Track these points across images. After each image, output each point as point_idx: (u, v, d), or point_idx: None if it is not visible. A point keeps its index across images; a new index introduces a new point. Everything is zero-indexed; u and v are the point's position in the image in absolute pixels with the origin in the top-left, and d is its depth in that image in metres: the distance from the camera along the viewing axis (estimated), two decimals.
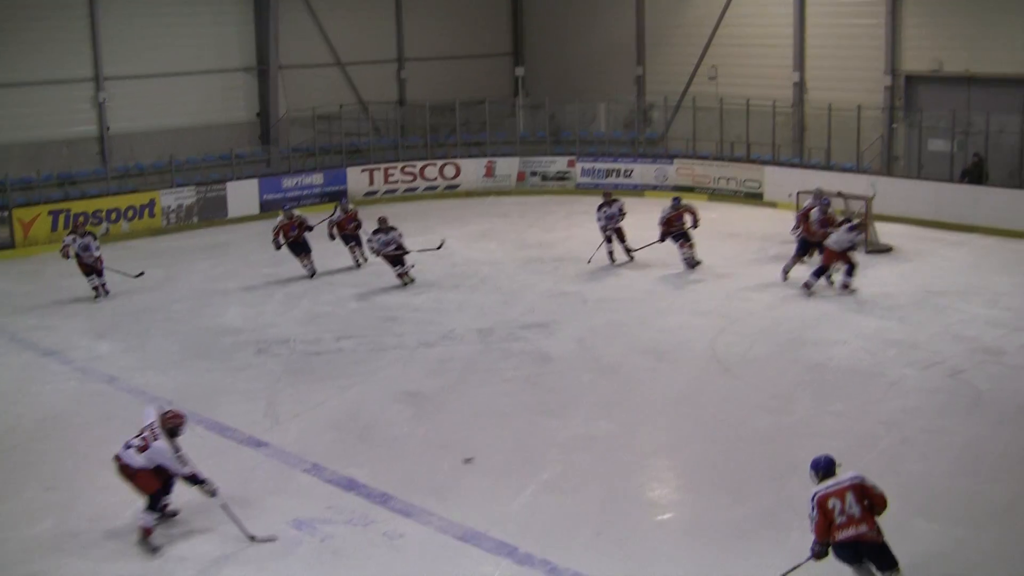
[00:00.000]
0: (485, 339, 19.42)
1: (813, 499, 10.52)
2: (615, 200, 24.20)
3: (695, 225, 23.26)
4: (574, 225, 28.46)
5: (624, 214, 24.05)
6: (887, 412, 15.38)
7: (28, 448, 15.58)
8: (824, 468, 10.71)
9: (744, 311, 20.41)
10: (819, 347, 18.17)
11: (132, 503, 13.51)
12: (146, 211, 30.92)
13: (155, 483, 12.45)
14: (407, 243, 23.49)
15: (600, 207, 24.09)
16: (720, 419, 15.16)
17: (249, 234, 25.14)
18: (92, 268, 23.56)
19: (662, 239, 23.38)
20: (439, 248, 24.13)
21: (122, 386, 17.98)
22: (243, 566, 11.78)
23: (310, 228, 24.61)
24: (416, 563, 11.70)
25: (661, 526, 12.34)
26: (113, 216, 30.37)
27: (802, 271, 21.82)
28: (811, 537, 10.48)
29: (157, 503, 12.53)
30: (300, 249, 24.59)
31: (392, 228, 23.27)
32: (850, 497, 10.42)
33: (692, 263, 23.28)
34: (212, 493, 12.40)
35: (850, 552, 10.40)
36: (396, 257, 23.28)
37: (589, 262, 23.91)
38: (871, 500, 10.50)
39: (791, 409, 15.59)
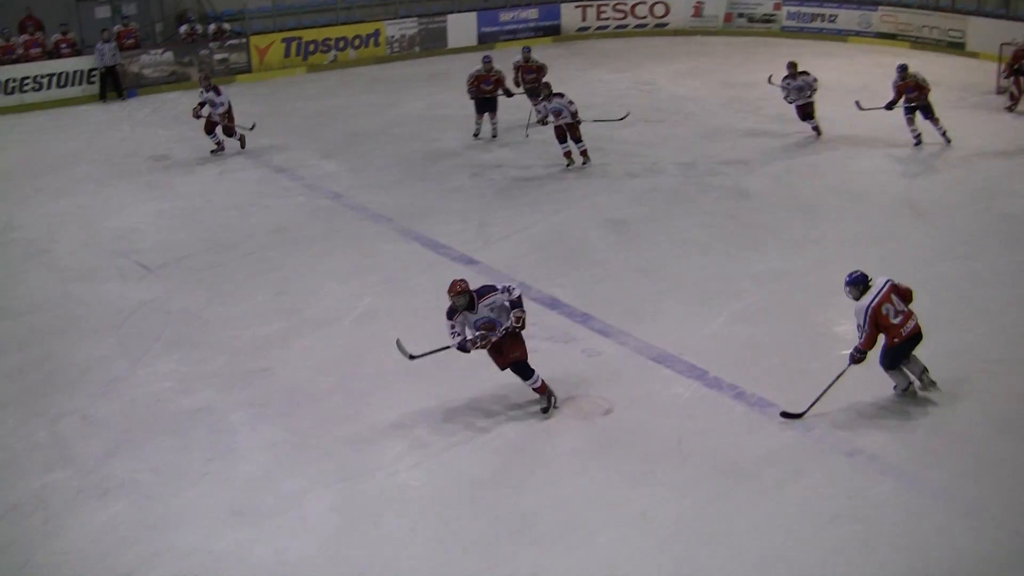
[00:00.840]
0: (686, 172, 19.26)
1: (866, 311, 10.63)
2: (804, 72, 20.98)
3: (923, 97, 19.90)
4: (778, 67, 27.75)
5: (815, 89, 20.86)
6: None
7: (261, 256, 16.13)
8: (863, 281, 10.81)
9: (940, 158, 19.72)
10: (1012, 198, 17.45)
11: (352, 311, 13.98)
12: (371, 40, 31.21)
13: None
14: (583, 112, 20.04)
15: (784, 78, 21.13)
16: (909, 261, 14.77)
17: (467, 64, 25.05)
18: (215, 125, 21.58)
19: (890, 106, 20.15)
20: (622, 120, 21.28)
21: (346, 203, 18.42)
22: (448, 371, 12.09)
23: (508, 92, 22.02)
24: (612, 380, 11.81)
25: (844, 360, 12.22)
26: (341, 44, 30.77)
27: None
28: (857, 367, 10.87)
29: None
30: (486, 107, 21.95)
31: (560, 95, 19.56)
32: (894, 298, 10.72)
33: (945, 138, 20.12)
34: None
35: (910, 346, 10.84)
36: (570, 128, 19.57)
37: (769, 79, 22.01)
38: (906, 295, 10.90)
39: (979, 256, 15.09)
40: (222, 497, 10.00)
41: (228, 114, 21.55)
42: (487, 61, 22.00)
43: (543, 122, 19.76)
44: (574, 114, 19.50)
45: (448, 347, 11.20)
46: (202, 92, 21.38)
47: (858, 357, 10.84)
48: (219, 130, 21.65)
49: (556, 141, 19.79)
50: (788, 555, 8.87)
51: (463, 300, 10.86)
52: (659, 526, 9.34)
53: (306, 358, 12.73)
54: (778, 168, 19.35)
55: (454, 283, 10.93)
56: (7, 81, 27.13)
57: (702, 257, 15.26)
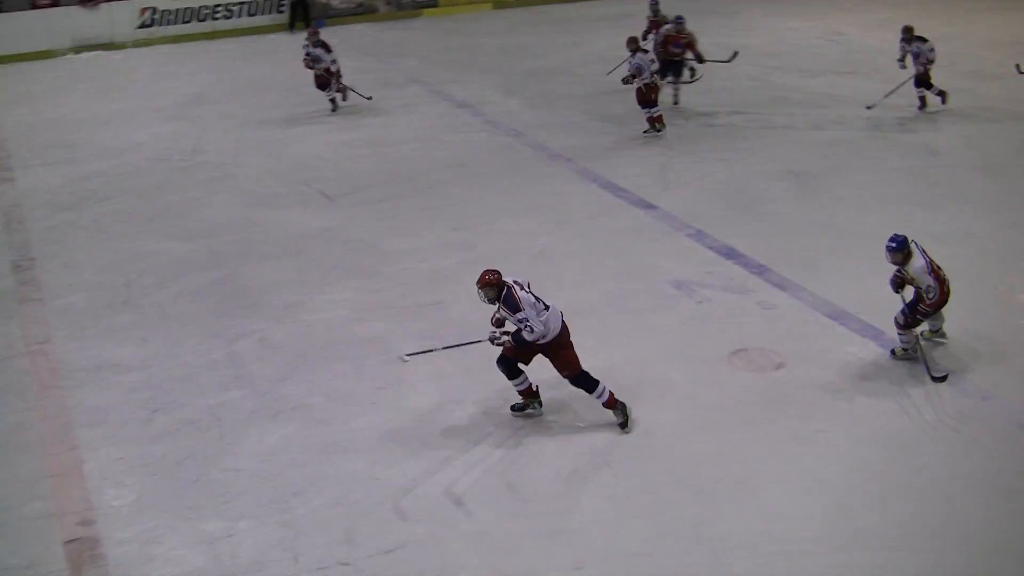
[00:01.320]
0: (873, 127, 18.76)
1: (930, 273, 10.56)
2: (921, 38, 19.08)
3: None
4: (975, 21, 26.94)
5: (931, 60, 18.98)
6: None
7: (439, 190, 16.32)
8: (908, 244, 10.70)
9: None
10: None
11: (527, 250, 14.04)
12: None
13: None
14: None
15: (901, 41, 19.37)
16: None
17: None
18: (326, 80, 20.57)
19: None
20: (728, 61, 20.42)
21: (526, 140, 18.49)
22: (621, 315, 12.12)
23: (699, 58, 20.09)
24: (786, 335, 11.63)
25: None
26: None
27: None
28: None
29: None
30: (672, 69, 20.19)
31: (644, 51, 18.53)
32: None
33: None
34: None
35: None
36: (649, 89, 18.36)
37: (884, 95, 19.75)
38: None
39: None
40: (391, 426, 10.16)
41: (328, 72, 20.48)
42: (679, 22, 20.16)
43: (627, 81, 18.53)
44: (654, 73, 18.46)
45: (431, 349, 10.59)
46: (307, 46, 20.41)
47: (921, 319, 10.78)
48: (334, 83, 20.69)
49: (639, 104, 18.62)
50: (954, 526, 8.64)
51: (491, 293, 9.84)
52: (824, 486, 9.20)
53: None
54: (969, 127, 18.72)
55: (483, 273, 9.92)
56: (200, 8, 27.86)
57: (884, 214, 14.86)
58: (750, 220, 14.86)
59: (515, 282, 9.91)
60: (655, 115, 18.62)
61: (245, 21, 28.59)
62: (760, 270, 13.21)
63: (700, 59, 20.14)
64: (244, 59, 25.39)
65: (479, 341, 10.22)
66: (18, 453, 10.10)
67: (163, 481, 9.57)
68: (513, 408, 10.39)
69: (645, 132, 18.68)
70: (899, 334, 10.94)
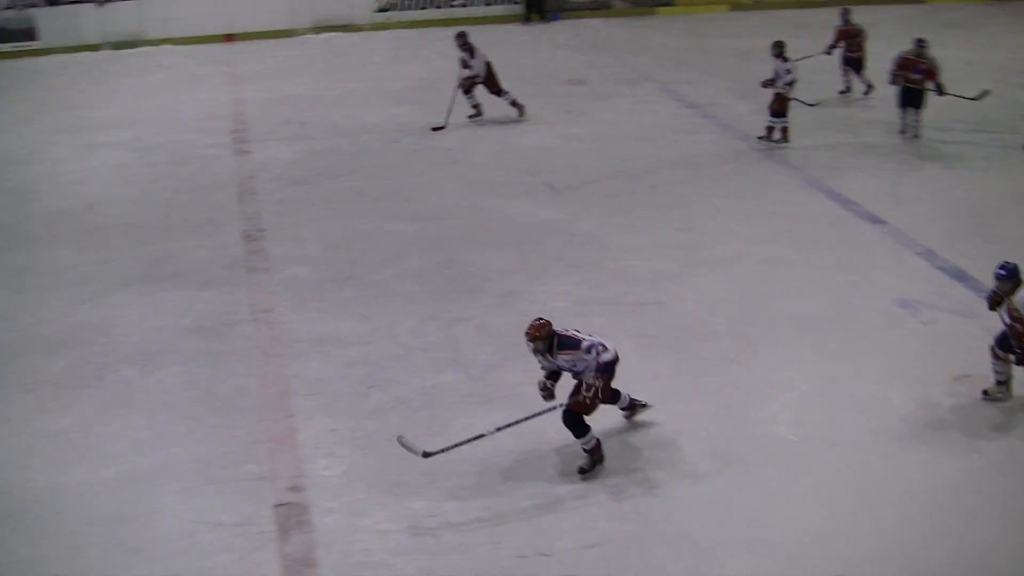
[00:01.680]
0: None
1: None
2: None
3: None
4: None
5: None
6: None
7: (666, 190, 16.28)
8: (1018, 272, 10.18)
9: None
10: None
11: (752, 257, 13.90)
12: None
13: None
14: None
15: None
16: None
17: (898, 17, 24.20)
18: (474, 85, 19.80)
19: None
20: (977, 98, 18.31)
21: (756, 145, 18.26)
22: (842, 330, 11.90)
23: (940, 89, 17.72)
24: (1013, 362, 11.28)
25: None
26: None
27: None
28: None
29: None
30: (912, 100, 18.16)
31: (786, 58, 17.88)
32: None
33: None
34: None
35: None
36: (779, 100, 18.07)
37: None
38: None
39: None
40: (602, 423, 10.08)
41: (491, 76, 19.75)
42: (920, 45, 18.07)
43: (766, 84, 18.10)
44: (788, 84, 17.85)
45: (483, 435, 9.49)
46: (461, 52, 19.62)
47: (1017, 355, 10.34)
48: (476, 92, 20.02)
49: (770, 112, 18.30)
50: None
51: (542, 344, 9.37)
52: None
53: (700, 297, 12.75)
54: None
55: (532, 325, 9.39)
56: None
57: None
58: (982, 242, 14.35)
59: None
60: (777, 125, 18.29)
61: (481, 10, 29.02)
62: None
63: (941, 90, 17.90)
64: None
65: (539, 414, 9.56)
66: (237, 416, 10.48)
67: (373, 456, 9.80)
68: (581, 471, 9.57)
69: (759, 138, 18.42)
70: (993, 366, 10.69)
